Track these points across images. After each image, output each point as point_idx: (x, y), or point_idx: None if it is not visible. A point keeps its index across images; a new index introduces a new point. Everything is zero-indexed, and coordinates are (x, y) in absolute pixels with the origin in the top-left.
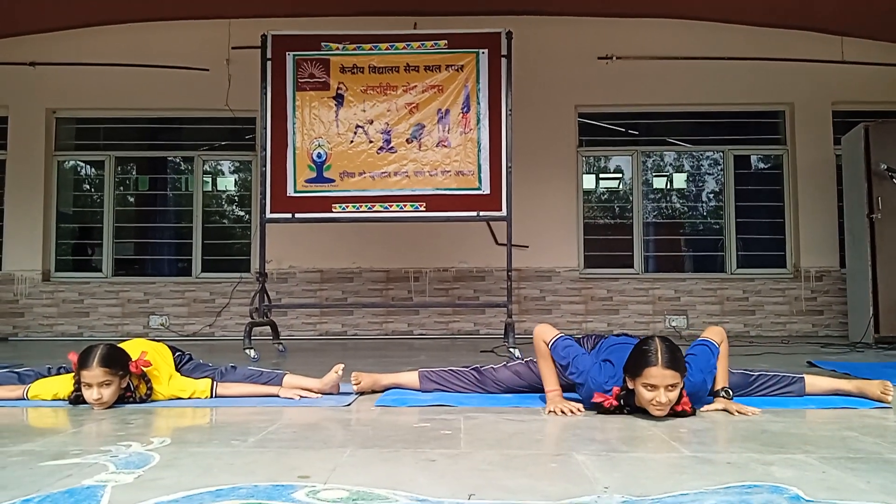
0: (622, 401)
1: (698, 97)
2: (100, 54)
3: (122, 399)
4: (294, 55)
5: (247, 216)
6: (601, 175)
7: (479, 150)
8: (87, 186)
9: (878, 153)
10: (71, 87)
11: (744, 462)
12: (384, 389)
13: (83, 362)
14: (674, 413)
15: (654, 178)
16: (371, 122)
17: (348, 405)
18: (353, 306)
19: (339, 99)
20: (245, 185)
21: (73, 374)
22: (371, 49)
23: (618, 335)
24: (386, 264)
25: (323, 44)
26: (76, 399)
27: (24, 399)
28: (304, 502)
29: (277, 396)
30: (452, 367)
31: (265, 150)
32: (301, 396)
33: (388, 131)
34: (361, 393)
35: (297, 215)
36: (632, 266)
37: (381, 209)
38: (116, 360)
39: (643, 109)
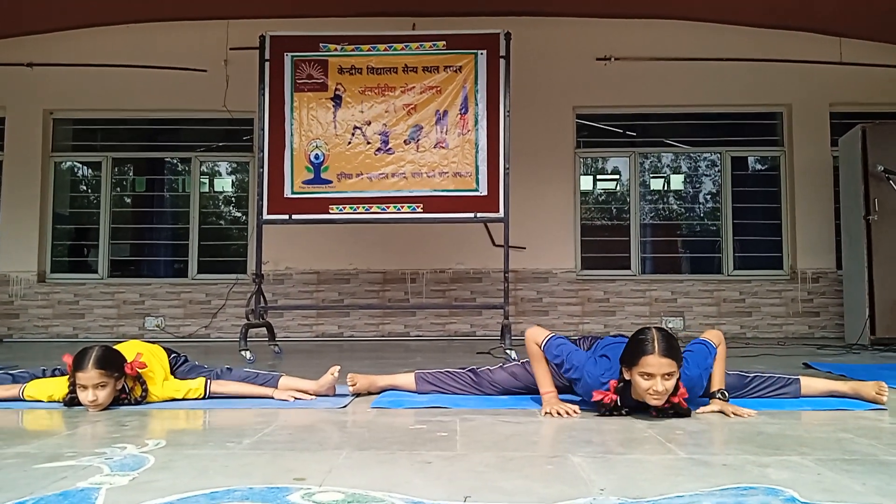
0: (620, 400)
1: (696, 98)
2: (97, 55)
3: (117, 401)
4: (292, 56)
5: (244, 217)
6: (598, 176)
7: (476, 152)
8: (84, 187)
9: (876, 155)
10: (68, 88)
11: (739, 464)
12: (380, 391)
13: (78, 364)
14: (671, 408)
15: (652, 180)
16: (369, 124)
17: (344, 407)
18: (350, 308)
19: (337, 100)
20: (242, 186)
21: (67, 376)
22: (369, 50)
23: (614, 336)
24: (383, 266)
25: (321, 44)
26: (71, 401)
27: (20, 398)
28: None
29: (272, 398)
30: (449, 369)
31: (262, 151)
32: (296, 398)
33: (386, 132)
34: (357, 395)
35: (294, 217)
36: (629, 267)
37: (379, 210)
38: (112, 362)
39: (641, 110)
